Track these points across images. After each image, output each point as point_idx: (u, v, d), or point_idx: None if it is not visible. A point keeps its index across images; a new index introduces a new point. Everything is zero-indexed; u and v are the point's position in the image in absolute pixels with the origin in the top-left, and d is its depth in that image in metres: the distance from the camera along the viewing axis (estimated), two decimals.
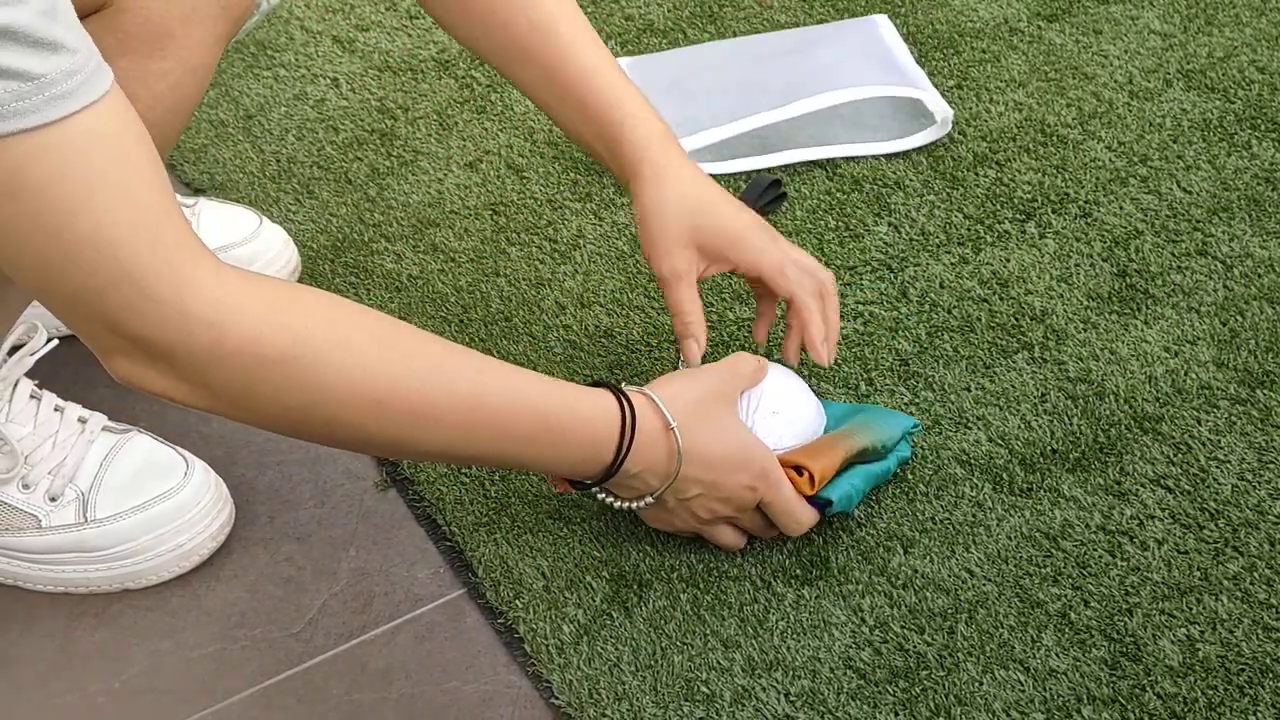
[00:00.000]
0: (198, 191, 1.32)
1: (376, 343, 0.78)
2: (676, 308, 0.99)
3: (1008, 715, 0.86)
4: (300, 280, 1.20)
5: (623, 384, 0.90)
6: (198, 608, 0.98)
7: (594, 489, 0.90)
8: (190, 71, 0.82)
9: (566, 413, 0.85)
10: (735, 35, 1.47)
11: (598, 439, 0.86)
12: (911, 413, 1.05)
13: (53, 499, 0.96)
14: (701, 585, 0.95)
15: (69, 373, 1.09)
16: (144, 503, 0.96)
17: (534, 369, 1.10)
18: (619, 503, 0.92)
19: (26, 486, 0.97)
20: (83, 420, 0.99)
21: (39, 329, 0.96)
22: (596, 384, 0.89)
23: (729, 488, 0.90)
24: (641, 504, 0.91)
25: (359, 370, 0.77)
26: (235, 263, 1.13)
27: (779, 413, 0.95)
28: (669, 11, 1.52)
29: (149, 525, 0.96)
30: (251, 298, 0.74)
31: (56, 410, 0.99)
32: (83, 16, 0.78)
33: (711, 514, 0.91)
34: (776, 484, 0.91)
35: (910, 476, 1.00)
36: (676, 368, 1.07)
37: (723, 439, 0.90)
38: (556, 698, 0.90)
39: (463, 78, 1.44)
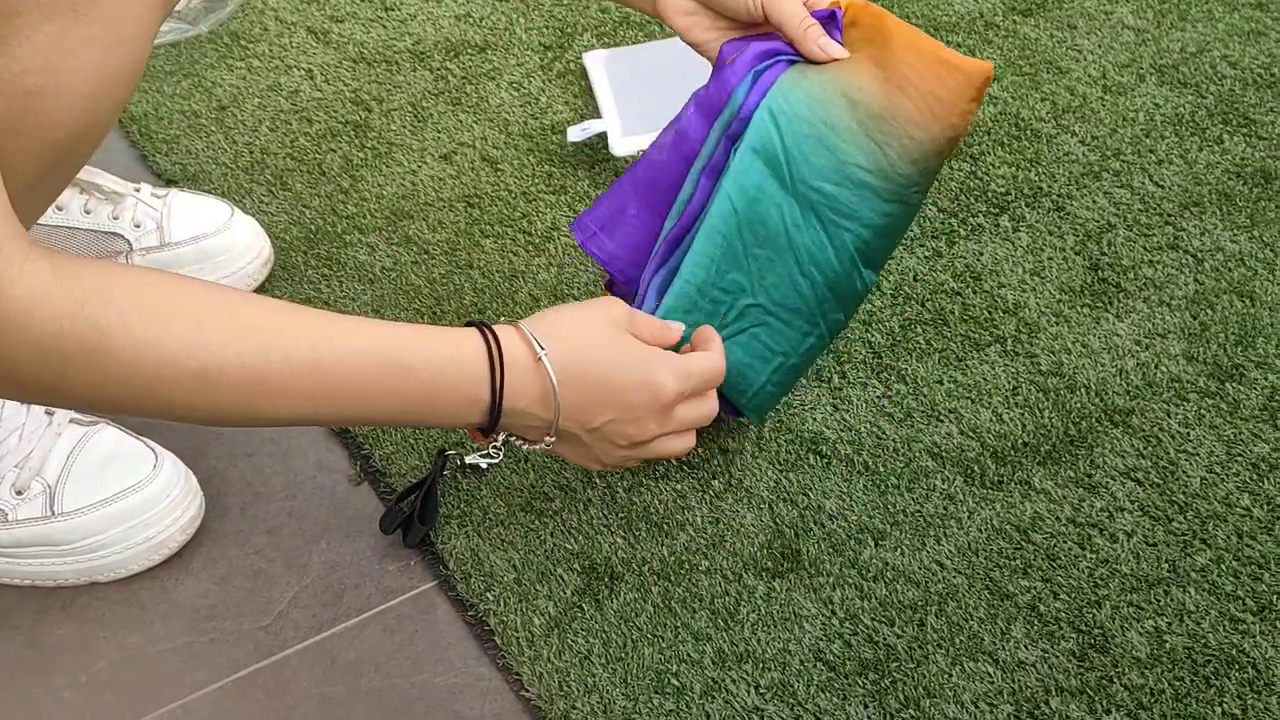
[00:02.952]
0: (170, 183, 1.31)
1: (193, 322, 0.74)
2: (788, 17, 0.91)
3: (976, 707, 0.86)
4: (273, 273, 1.20)
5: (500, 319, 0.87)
6: (166, 601, 0.98)
7: (497, 434, 0.87)
8: (121, 41, 0.79)
9: (430, 360, 0.81)
10: None
11: (468, 380, 0.82)
12: (883, 406, 1.06)
13: (19, 493, 0.96)
14: (672, 578, 0.95)
15: None
16: (112, 495, 0.96)
17: None
18: (529, 445, 0.88)
19: None
20: (49, 412, 0.98)
21: None
22: (468, 324, 0.85)
23: (637, 405, 0.85)
24: (548, 443, 0.87)
25: (175, 352, 0.73)
26: (208, 254, 1.14)
27: None
28: None
29: (117, 518, 0.96)
30: (57, 291, 0.71)
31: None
32: None
33: (639, 437, 0.86)
34: (695, 377, 0.86)
35: (882, 469, 1.01)
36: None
37: (606, 357, 0.85)
38: (527, 690, 0.90)
39: (438, 69, 1.44)
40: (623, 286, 0.97)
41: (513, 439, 0.89)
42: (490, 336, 0.83)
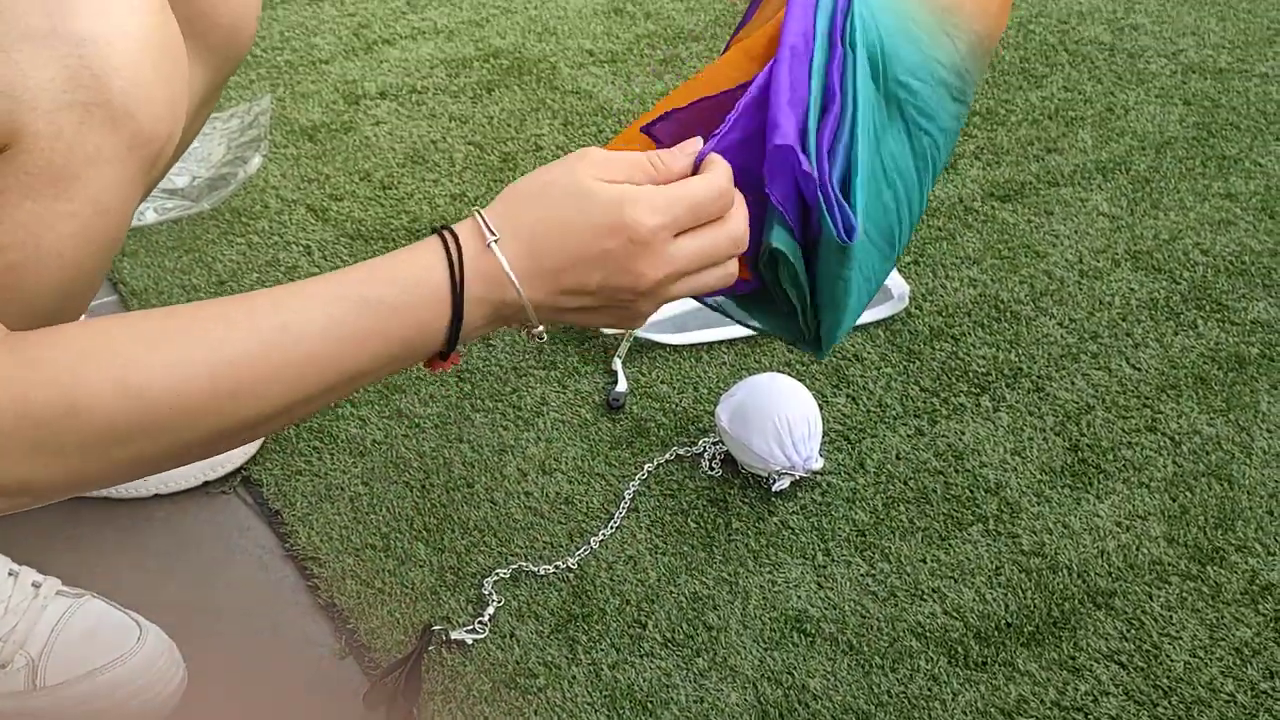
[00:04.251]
0: None
1: (147, 346, 0.71)
2: None
3: None
4: (264, 445, 1.21)
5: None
6: None
7: (461, 344, 0.79)
8: (101, 213, 0.80)
9: (395, 284, 0.75)
10: None
11: (436, 288, 0.76)
12: (867, 585, 1.06)
13: (2, 666, 0.95)
14: None
15: (24, 537, 1.09)
16: (95, 669, 0.95)
17: (494, 536, 1.11)
18: (535, 331, 0.80)
19: None
20: (36, 585, 0.98)
21: None
22: (432, 230, 0.79)
23: (616, 253, 0.77)
24: (539, 333, 0.80)
25: (145, 385, 0.70)
26: None
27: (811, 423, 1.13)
28: None
29: (100, 692, 0.95)
30: (4, 366, 0.68)
31: (10, 575, 0.98)
32: None
33: (642, 285, 0.78)
34: (680, 203, 0.77)
35: (866, 649, 1.01)
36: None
37: (564, 219, 0.76)
38: None
39: None
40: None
41: (536, 331, 0.80)
42: (448, 236, 0.77)
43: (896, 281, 1.34)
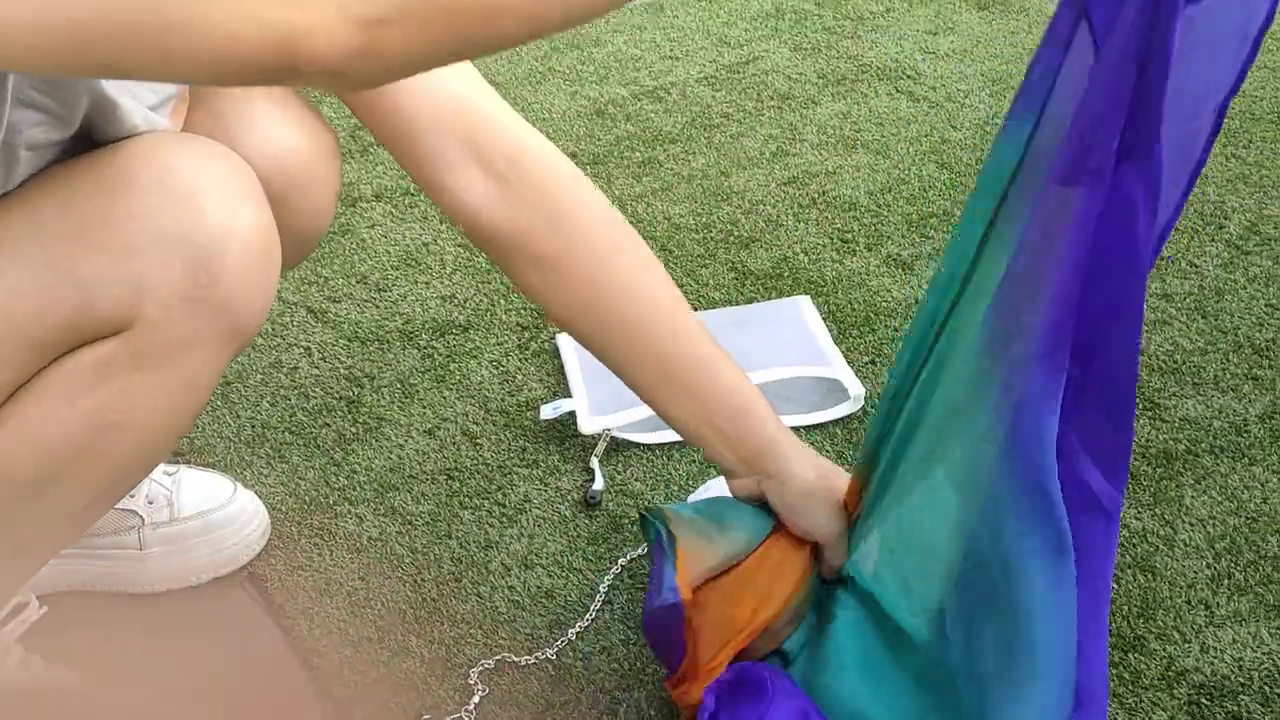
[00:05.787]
0: (178, 456, 1.43)
1: None
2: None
3: None
4: (269, 543, 1.31)
5: None
6: None
7: None
8: (193, 388, 0.93)
9: None
10: None
11: None
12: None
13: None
14: None
15: (43, 627, 1.19)
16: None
17: (480, 628, 1.21)
18: None
19: None
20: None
21: (32, 598, 1.06)
22: None
23: None
24: None
25: None
26: (212, 528, 1.26)
27: None
28: None
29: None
30: None
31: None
32: (104, 335, 0.91)
33: None
34: None
35: None
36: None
37: None
38: None
39: (425, 348, 1.58)
40: None
41: None
42: None
43: (854, 384, 1.44)
